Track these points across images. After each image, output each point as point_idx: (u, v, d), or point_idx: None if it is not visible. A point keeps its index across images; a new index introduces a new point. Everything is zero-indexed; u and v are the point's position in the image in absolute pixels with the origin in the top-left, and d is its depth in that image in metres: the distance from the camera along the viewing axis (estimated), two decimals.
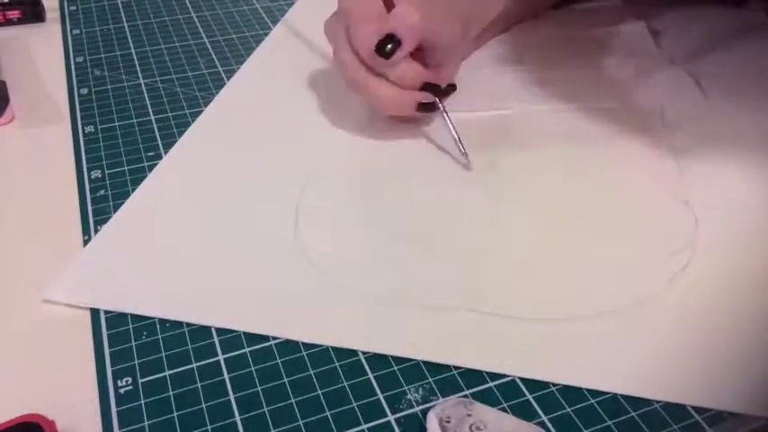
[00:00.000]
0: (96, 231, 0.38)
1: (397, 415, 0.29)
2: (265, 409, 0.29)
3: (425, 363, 0.31)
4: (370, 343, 0.31)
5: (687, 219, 0.37)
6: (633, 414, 0.28)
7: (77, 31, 0.58)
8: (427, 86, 0.41)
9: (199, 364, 0.31)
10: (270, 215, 0.38)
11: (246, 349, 0.31)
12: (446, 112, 0.42)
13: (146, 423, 0.28)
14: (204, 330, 0.32)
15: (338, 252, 0.36)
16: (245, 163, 0.42)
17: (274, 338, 0.32)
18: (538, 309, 0.33)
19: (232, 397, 0.29)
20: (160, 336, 0.32)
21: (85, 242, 0.37)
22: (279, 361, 0.31)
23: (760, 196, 0.39)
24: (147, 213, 0.39)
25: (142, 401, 0.29)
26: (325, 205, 0.39)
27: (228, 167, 0.42)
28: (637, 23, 0.55)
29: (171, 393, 0.29)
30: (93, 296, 0.34)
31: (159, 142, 0.45)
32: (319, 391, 0.29)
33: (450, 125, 0.42)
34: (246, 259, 0.35)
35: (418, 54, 0.40)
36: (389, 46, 0.38)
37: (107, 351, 0.31)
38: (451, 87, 0.43)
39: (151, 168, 0.42)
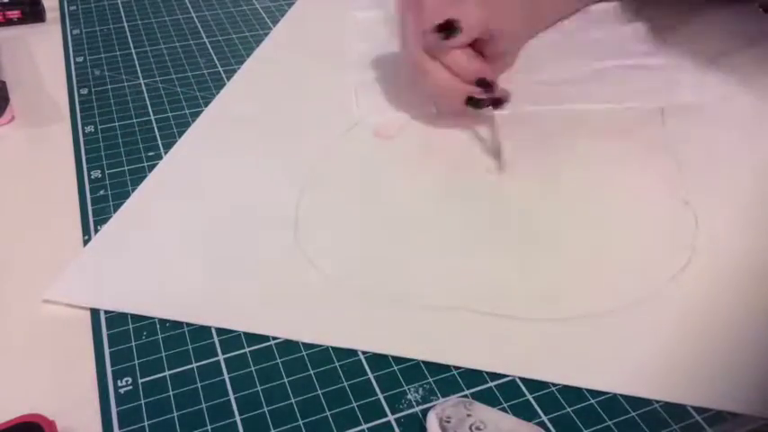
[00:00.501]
0: (96, 231, 0.38)
1: (397, 415, 0.29)
2: (265, 409, 0.29)
3: (425, 363, 0.31)
4: (370, 343, 0.31)
5: (687, 218, 0.37)
6: (633, 414, 0.28)
7: (77, 31, 0.58)
8: (481, 83, 0.42)
9: (199, 364, 0.31)
10: (270, 215, 0.38)
11: (246, 349, 0.31)
12: (495, 117, 0.43)
13: (146, 423, 0.28)
14: (204, 330, 0.32)
15: (338, 252, 0.36)
16: (245, 163, 0.42)
17: (274, 338, 0.32)
18: (538, 309, 0.33)
19: (232, 397, 0.29)
20: (160, 336, 0.32)
21: (85, 242, 0.37)
22: (279, 361, 0.31)
23: (760, 196, 0.39)
24: (147, 213, 0.39)
25: (142, 401, 0.29)
26: (325, 205, 0.39)
27: (228, 167, 0.42)
28: (643, 24, 0.55)
29: (171, 393, 0.29)
30: (94, 296, 0.34)
31: (159, 142, 0.45)
32: (319, 391, 0.29)
33: (495, 129, 0.43)
34: (246, 259, 0.35)
35: (477, 45, 0.42)
36: (451, 30, 0.40)
37: (107, 351, 0.31)
38: (505, 96, 0.43)
39: (151, 168, 0.42)
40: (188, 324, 0.32)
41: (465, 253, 0.36)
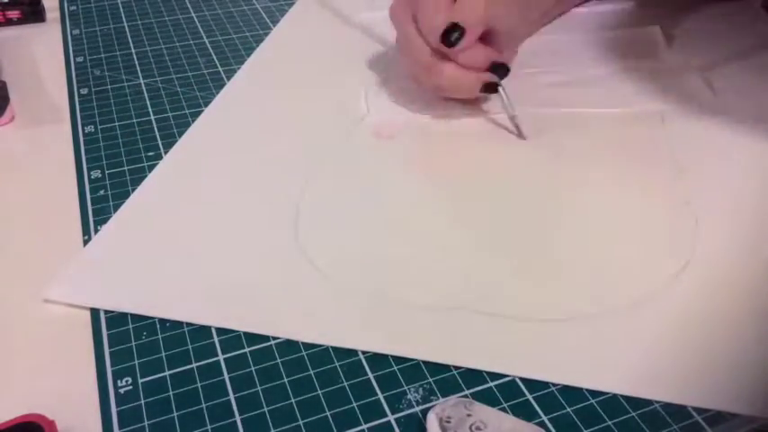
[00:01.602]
0: (96, 231, 0.38)
1: (397, 415, 0.29)
2: (265, 409, 0.29)
3: (425, 363, 0.31)
4: (370, 343, 0.31)
5: (687, 218, 0.37)
6: (633, 414, 0.28)
7: (77, 31, 0.58)
8: (496, 68, 0.43)
9: (199, 364, 0.31)
10: (270, 215, 0.38)
11: (246, 349, 0.31)
12: (504, 92, 0.44)
13: (146, 423, 0.28)
14: (204, 330, 0.32)
15: (338, 252, 0.36)
16: (245, 163, 0.42)
17: (274, 338, 0.32)
18: (538, 309, 0.33)
19: (232, 397, 0.29)
20: (160, 336, 0.32)
21: (85, 242, 0.37)
22: (279, 361, 0.31)
23: (760, 197, 0.39)
24: (148, 213, 0.39)
25: (142, 401, 0.29)
26: (326, 205, 0.39)
27: (228, 167, 0.42)
28: (651, 27, 0.55)
29: (171, 393, 0.29)
30: (93, 296, 0.34)
31: (159, 142, 0.45)
32: (319, 391, 0.29)
33: (508, 102, 0.44)
34: (247, 259, 0.35)
35: (481, 38, 0.42)
36: (455, 35, 0.40)
37: (107, 351, 0.31)
38: (507, 69, 0.44)
39: (151, 168, 0.42)
40: (188, 324, 0.32)
41: (465, 253, 0.36)
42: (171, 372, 0.30)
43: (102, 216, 0.39)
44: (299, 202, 0.39)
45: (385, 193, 0.40)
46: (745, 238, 0.37)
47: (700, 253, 0.35)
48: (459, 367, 0.30)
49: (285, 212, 0.38)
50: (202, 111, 0.47)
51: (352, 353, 0.31)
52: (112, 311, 0.33)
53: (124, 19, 0.60)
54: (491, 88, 0.43)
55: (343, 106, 0.47)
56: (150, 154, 0.44)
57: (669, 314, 0.33)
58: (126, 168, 0.42)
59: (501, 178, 0.41)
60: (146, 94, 0.50)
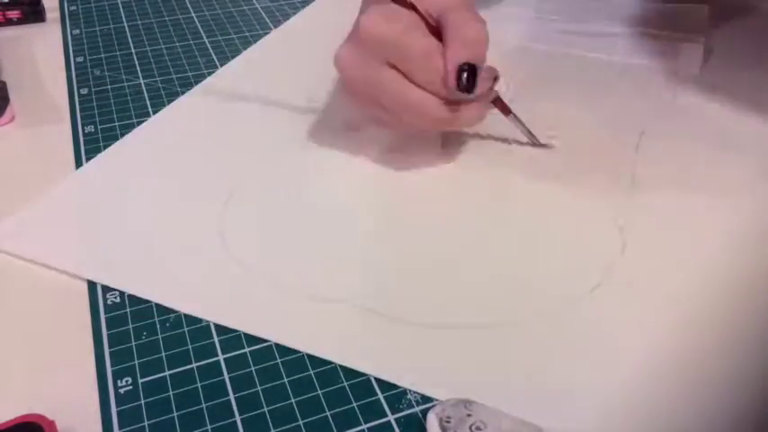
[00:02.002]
0: None
1: (397, 415, 0.29)
2: (265, 409, 0.29)
3: None
4: (252, 327, 0.32)
5: (615, 243, 0.36)
6: None
7: (77, 31, 0.58)
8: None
9: (199, 364, 0.31)
10: (197, 218, 0.38)
11: (246, 349, 0.31)
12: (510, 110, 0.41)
13: (146, 423, 0.28)
14: (204, 330, 0.32)
15: (262, 249, 0.36)
16: (187, 159, 0.43)
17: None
18: (418, 312, 0.33)
19: (232, 397, 0.29)
20: (160, 336, 0.32)
21: None
22: (279, 361, 0.31)
23: (690, 225, 0.37)
24: (102, 181, 0.41)
25: (142, 401, 0.29)
26: (252, 206, 0.39)
27: (174, 162, 0.42)
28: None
29: (171, 393, 0.29)
30: (37, 249, 0.36)
31: None
32: (319, 391, 0.29)
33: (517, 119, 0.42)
34: (175, 244, 0.36)
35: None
36: (466, 75, 0.34)
37: (107, 351, 0.31)
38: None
39: None
40: (188, 324, 0.32)
41: (367, 252, 0.36)
42: (171, 372, 0.30)
43: None
44: (227, 200, 0.39)
45: (311, 197, 0.40)
46: (668, 280, 0.34)
47: (612, 280, 0.34)
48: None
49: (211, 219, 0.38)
50: None
51: None
52: (112, 312, 0.33)
53: (124, 19, 0.61)
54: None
55: (285, 122, 0.46)
56: None
57: (558, 334, 0.31)
58: None
59: (414, 182, 0.40)
60: (146, 94, 0.50)
